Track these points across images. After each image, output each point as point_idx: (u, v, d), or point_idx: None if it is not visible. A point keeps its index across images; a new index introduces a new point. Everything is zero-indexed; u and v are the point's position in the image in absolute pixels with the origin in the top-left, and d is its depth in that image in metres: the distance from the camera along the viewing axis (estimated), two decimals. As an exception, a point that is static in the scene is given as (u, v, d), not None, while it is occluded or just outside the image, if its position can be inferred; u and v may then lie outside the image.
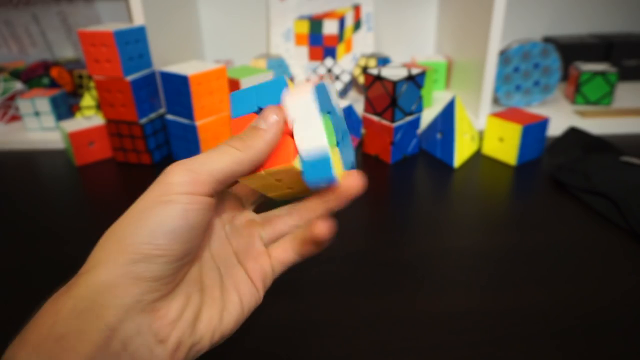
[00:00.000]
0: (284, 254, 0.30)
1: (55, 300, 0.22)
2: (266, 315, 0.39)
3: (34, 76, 0.95)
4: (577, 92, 0.88)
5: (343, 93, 0.89)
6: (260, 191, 0.30)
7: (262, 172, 0.26)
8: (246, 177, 0.27)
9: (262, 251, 0.30)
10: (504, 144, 0.68)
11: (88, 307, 0.21)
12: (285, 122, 0.26)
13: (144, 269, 0.22)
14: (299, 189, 0.30)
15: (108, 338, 0.21)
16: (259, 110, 0.27)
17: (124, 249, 0.22)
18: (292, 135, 0.26)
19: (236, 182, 0.29)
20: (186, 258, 0.24)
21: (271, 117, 0.25)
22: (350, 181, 0.28)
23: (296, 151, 0.26)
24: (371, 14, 1.04)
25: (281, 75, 0.27)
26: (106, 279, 0.21)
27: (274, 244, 0.31)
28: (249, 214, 0.32)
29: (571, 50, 0.99)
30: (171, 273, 0.23)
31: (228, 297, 0.27)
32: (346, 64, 1.05)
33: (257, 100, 0.27)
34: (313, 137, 0.26)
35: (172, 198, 0.22)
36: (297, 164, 0.26)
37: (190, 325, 0.25)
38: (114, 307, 0.21)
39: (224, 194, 0.30)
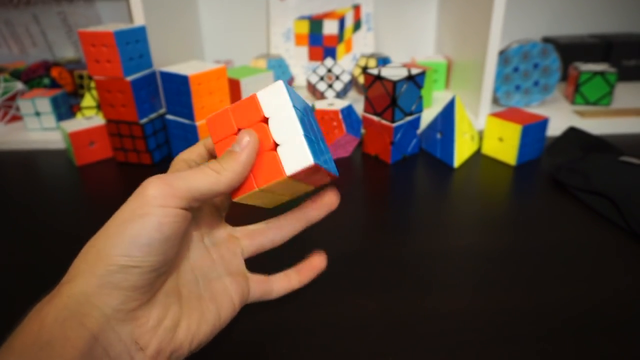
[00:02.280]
0: (280, 284, 0.34)
1: (40, 309, 0.23)
2: (265, 314, 0.39)
3: (34, 76, 0.96)
4: (577, 92, 0.88)
5: (343, 93, 0.89)
6: (257, 205, 0.31)
7: (257, 189, 0.27)
8: (240, 195, 0.28)
9: (241, 271, 0.32)
10: (504, 144, 0.68)
11: (70, 316, 0.22)
12: (265, 138, 0.27)
13: (121, 279, 0.23)
14: (292, 192, 0.31)
15: (91, 345, 0.22)
16: (239, 131, 0.28)
17: (101, 261, 0.23)
18: (275, 149, 0.27)
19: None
20: (162, 268, 0.25)
21: (244, 140, 0.26)
22: (328, 194, 0.32)
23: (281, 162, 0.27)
24: (371, 14, 1.04)
25: (254, 93, 0.28)
26: (85, 289, 0.22)
27: (257, 277, 0.33)
28: (228, 229, 0.33)
29: (570, 51, 0.99)
30: (147, 283, 0.24)
31: (206, 307, 0.29)
32: (346, 64, 1.05)
33: (234, 121, 0.28)
34: (288, 128, 0.27)
35: (148, 211, 0.23)
36: (287, 174, 0.27)
37: (169, 332, 0.26)
38: (96, 316, 0.22)
39: (202, 207, 0.31)
